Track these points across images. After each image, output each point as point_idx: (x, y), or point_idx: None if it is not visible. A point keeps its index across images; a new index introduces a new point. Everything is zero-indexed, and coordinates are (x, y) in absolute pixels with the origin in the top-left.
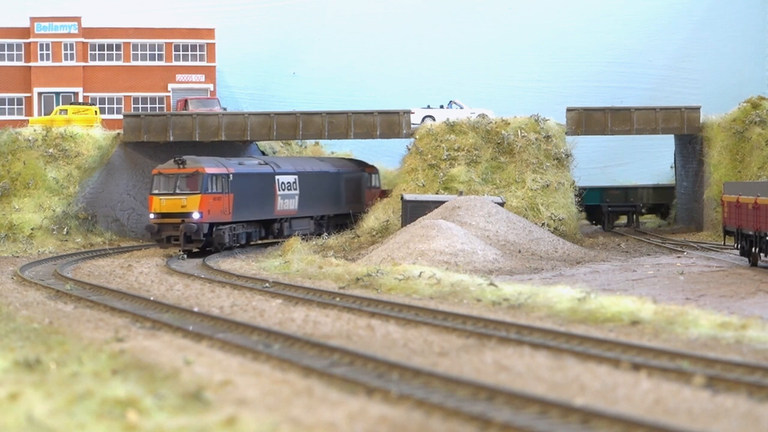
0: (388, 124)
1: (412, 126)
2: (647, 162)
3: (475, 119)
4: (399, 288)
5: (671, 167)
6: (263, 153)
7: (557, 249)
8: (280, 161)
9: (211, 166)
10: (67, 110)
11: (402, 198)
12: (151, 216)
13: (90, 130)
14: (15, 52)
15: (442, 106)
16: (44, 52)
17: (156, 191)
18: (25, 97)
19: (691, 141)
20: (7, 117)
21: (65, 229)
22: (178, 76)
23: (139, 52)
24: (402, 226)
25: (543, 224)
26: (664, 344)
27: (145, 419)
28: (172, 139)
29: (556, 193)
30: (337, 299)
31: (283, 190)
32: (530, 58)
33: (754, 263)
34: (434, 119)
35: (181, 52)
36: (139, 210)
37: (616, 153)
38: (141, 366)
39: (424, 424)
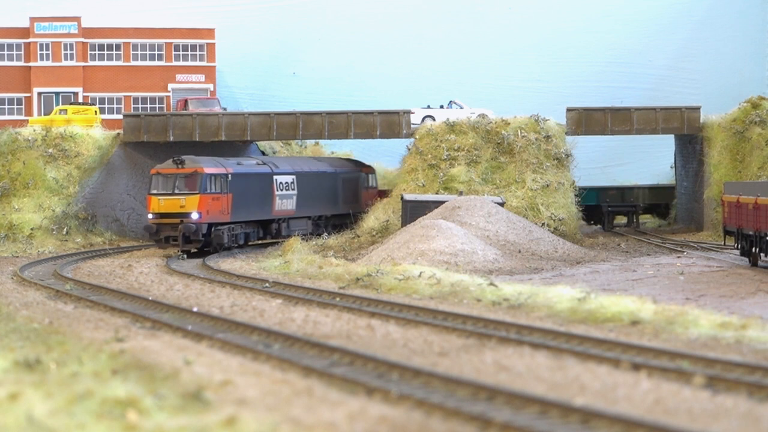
0: (388, 124)
1: (412, 126)
2: (647, 162)
3: (475, 119)
4: (399, 288)
5: (671, 167)
6: (263, 153)
7: (557, 249)
8: (278, 161)
9: (210, 166)
10: (66, 110)
11: (402, 198)
12: (150, 216)
13: (90, 130)
14: (15, 52)
15: (442, 106)
16: (44, 52)
17: (154, 191)
18: (25, 97)
19: (691, 141)
20: (6, 117)
21: (65, 229)
22: (178, 76)
23: (139, 52)
24: (402, 226)
25: (543, 224)
26: (664, 344)
27: (145, 419)
28: (172, 139)
29: (556, 193)
30: (337, 299)
31: (281, 190)
32: (530, 58)
33: (754, 263)
34: (434, 119)
35: (181, 52)
36: (139, 210)
37: (616, 153)
38: (141, 366)
39: (424, 424)
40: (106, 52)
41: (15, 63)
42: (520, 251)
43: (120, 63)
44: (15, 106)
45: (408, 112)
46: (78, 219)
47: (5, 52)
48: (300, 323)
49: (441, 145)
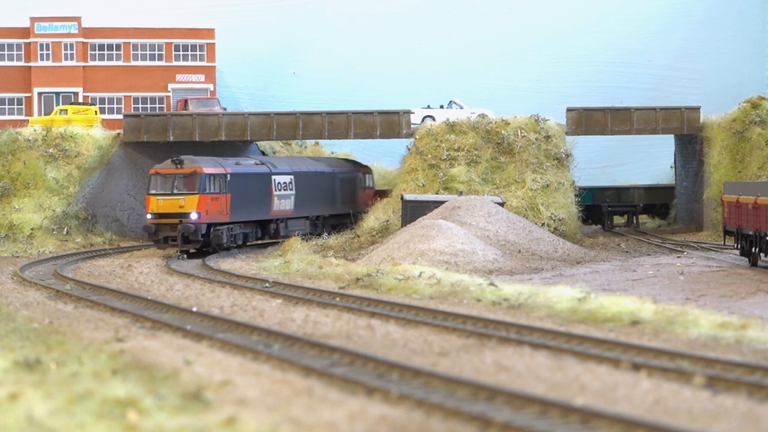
0: (388, 124)
1: (412, 126)
2: (647, 162)
3: (475, 119)
4: (399, 288)
5: (671, 167)
6: (263, 153)
7: (557, 249)
8: (276, 161)
9: (209, 166)
10: (67, 110)
11: (402, 198)
12: (149, 216)
13: (90, 130)
14: (15, 52)
15: (442, 106)
16: (44, 52)
17: (153, 191)
18: (25, 97)
19: (691, 141)
20: (7, 117)
21: (65, 229)
22: (178, 76)
23: (139, 52)
24: (402, 226)
25: (543, 224)
26: (664, 344)
27: (145, 419)
28: (172, 139)
29: (556, 193)
30: (337, 299)
31: (280, 190)
32: (530, 58)
33: (754, 263)
34: (434, 119)
35: (181, 52)
36: (139, 210)
37: (616, 153)
38: (141, 366)
39: (424, 424)
40: (106, 52)
41: (15, 63)
42: (520, 251)
43: (120, 63)
44: (15, 106)
45: (408, 112)
46: (78, 219)
47: (5, 52)
48: (300, 323)
49: (441, 145)
